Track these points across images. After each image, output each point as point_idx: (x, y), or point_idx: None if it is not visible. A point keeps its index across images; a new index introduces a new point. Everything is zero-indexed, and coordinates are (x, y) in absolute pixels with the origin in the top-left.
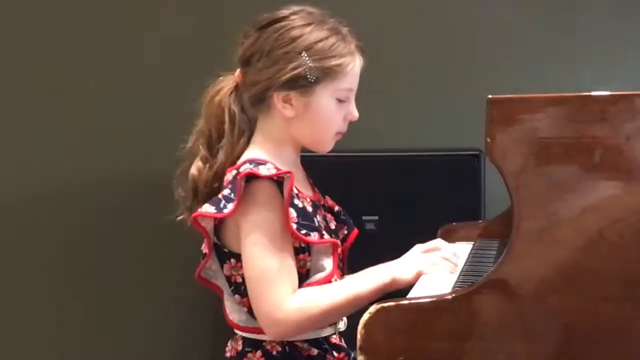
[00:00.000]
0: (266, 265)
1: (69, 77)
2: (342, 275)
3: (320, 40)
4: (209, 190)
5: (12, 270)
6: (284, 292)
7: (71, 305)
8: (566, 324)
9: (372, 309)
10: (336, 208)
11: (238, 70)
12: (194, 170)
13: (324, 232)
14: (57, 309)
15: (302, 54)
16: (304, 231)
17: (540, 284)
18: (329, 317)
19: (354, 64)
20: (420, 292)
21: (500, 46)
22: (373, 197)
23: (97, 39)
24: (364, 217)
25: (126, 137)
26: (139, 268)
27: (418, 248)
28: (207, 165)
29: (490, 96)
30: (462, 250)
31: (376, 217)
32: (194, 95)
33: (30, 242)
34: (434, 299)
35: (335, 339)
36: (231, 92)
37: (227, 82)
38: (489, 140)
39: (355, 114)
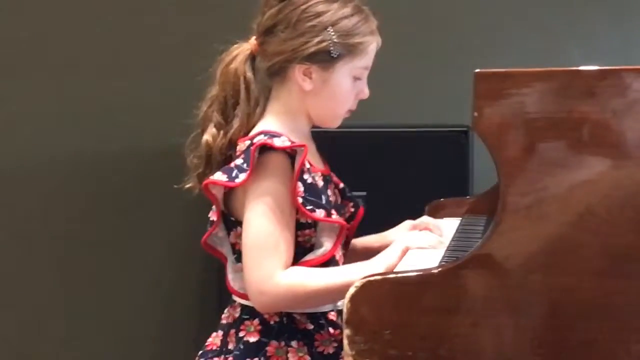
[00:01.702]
0: (264, 235)
1: (74, 48)
2: (346, 255)
3: (346, 17)
4: (223, 158)
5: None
6: (276, 264)
7: (71, 263)
8: (552, 299)
9: (359, 282)
10: (341, 185)
11: (253, 38)
12: (208, 137)
13: (332, 211)
14: (60, 270)
15: (328, 29)
16: (309, 207)
17: (526, 259)
18: (315, 300)
19: (374, 44)
20: (407, 267)
21: (488, 21)
22: (361, 173)
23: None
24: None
25: (128, 110)
26: (137, 237)
27: (407, 224)
28: (222, 132)
29: (477, 70)
30: (449, 226)
31: (364, 193)
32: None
33: (34, 211)
34: (421, 273)
35: (333, 316)
36: (246, 60)
37: (242, 49)
38: (476, 115)
39: (366, 92)
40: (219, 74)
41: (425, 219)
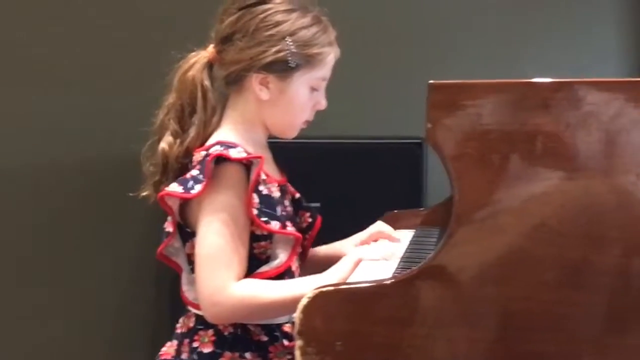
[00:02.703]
0: (218, 246)
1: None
2: (302, 266)
3: (305, 28)
4: (180, 166)
5: None
6: (229, 276)
7: (19, 273)
8: (505, 311)
9: (311, 293)
10: (297, 195)
11: (211, 46)
12: (164, 144)
13: (287, 223)
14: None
15: (287, 39)
16: (264, 218)
17: (479, 270)
18: (268, 312)
19: (332, 55)
20: (360, 278)
21: (443, 33)
22: (315, 184)
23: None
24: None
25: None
26: (89, 246)
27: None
28: (178, 140)
29: (431, 81)
30: (403, 237)
31: (318, 204)
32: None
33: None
34: (374, 284)
35: (287, 327)
36: (204, 68)
37: (200, 57)
38: (429, 125)
39: (324, 103)
40: (176, 82)
41: (380, 225)
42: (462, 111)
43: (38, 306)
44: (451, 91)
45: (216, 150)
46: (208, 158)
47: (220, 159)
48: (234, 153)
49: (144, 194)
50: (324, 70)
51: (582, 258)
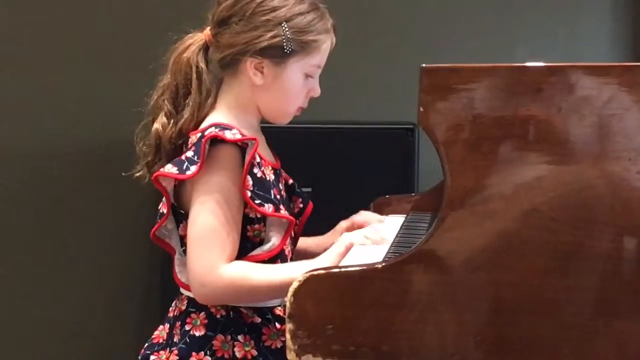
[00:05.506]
0: (210, 227)
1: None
2: (293, 251)
3: (301, 14)
4: (173, 147)
5: None
6: (220, 257)
7: (13, 254)
8: (496, 295)
9: (302, 277)
10: (290, 181)
11: (207, 29)
12: (158, 125)
13: (281, 207)
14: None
15: (283, 25)
16: (258, 201)
17: (470, 255)
18: (258, 295)
19: (328, 43)
20: (352, 262)
21: (436, 18)
22: (308, 169)
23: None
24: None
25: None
26: (86, 230)
27: (342, 225)
28: (172, 121)
29: (423, 65)
30: (394, 222)
31: (309, 189)
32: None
33: None
34: (365, 267)
35: (279, 311)
36: (200, 50)
37: (196, 39)
38: (421, 109)
39: (317, 90)
40: (172, 63)
41: (358, 217)
42: (455, 95)
43: (26, 290)
44: (444, 75)
45: (211, 131)
46: (203, 139)
47: (215, 141)
48: (229, 135)
49: (138, 174)
50: (319, 58)
51: (573, 243)
